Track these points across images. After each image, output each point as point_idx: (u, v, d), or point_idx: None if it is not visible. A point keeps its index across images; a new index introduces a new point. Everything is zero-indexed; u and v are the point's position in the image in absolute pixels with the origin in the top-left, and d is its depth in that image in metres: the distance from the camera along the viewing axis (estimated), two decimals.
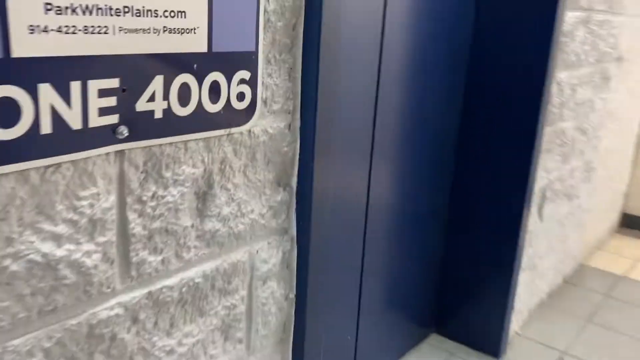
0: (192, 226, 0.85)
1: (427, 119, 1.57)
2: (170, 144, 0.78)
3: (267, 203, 0.97)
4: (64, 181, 0.67)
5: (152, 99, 0.72)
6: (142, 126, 0.72)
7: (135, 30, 0.68)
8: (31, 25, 0.58)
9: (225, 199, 0.89)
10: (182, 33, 0.73)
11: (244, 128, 0.87)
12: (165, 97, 0.74)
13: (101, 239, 0.72)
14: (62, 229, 0.68)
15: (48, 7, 0.59)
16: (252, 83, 0.85)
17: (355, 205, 1.40)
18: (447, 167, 1.73)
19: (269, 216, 0.98)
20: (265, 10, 0.85)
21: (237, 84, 0.83)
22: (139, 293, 0.79)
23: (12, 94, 0.58)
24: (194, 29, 0.74)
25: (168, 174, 0.79)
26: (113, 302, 0.76)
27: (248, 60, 0.84)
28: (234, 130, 0.86)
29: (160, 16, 0.70)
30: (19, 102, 0.59)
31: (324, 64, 0.95)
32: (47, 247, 0.67)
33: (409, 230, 1.65)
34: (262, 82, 0.89)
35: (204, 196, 0.85)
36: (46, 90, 0.61)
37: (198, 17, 0.74)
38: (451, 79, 1.62)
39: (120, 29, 0.66)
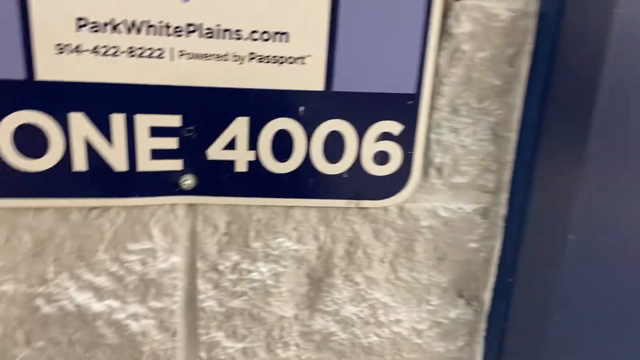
0: (296, 318, 0.63)
1: None
2: (263, 207, 0.58)
3: (432, 317, 0.66)
4: (111, 228, 0.56)
5: (231, 146, 0.54)
6: (218, 179, 0.55)
7: (204, 56, 0.51)
8: (59, 44, 0.48)
9: (349, 295, 0.63)
10: (280, 62, 0.52)
11: (387, 203, 0.59)
12: (252, 146, 0.55)
13: (156, 304, 0.59)
14: (103, 281, 0.58)
15: (81, 23, 0.48)
16: (405, 139, 0.57)
17: None
18: None
19: (434, 336, 0.67)
20: (445, 32, 0.55)
21: (376, 140, 0.56)
22: None
23: (37, 120, 0.50)
24: (303, 57, 0.52)
25: (257, 245, 0.59)
26: None
27: (399, 106, 0.56)
28: (368, 203, 0.59)
29: (246, 38, 0.51)
30: (46, 131, 0.51)
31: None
32: (83, 297, 0.58)
33: None
34: (431, 140, 0.59)
35: (317, 284, 0.62)
36: (78, 121, 0.51)
37: (310, 41, 0.52)
38: None
39: (181, 53, 0.50)
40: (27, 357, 0.59)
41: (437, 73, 0.56)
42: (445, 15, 0.55)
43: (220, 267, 0.59)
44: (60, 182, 0.53)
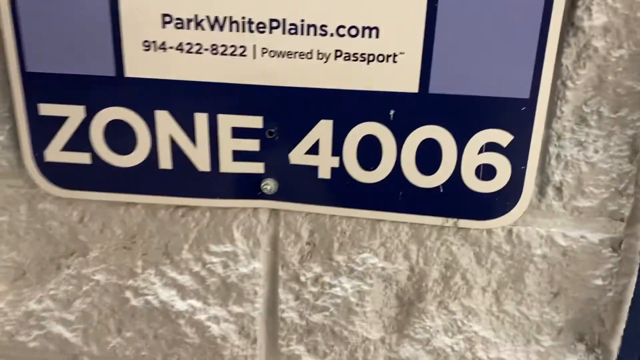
0: (382, 342, 0.57)
1: None
2: (347, 218, 0.53)
3: (543, 359, 0.56)
4: (196, 228, 0.56)
5: (313, 151, 0.51)
6: (300, 185, 0.52)
7: (287, 54, 0.47)
8: (146, 41, 0.48)
9: (443, 324, 0.56)
10: (369, 61, 0.47)
11: (491, 224, 0.51)
12: (337, 151, 0.50)
13: (236, 309, 0.58)
14: (186, 280, 0.57)
15: (166, 20, 0.48)
16: (516, 152, 0.48)
17: None
18: None
19: None
20: (572, 25, 0.46)
21: (480, 151, 0.49)
22: None
23: (126, 117, 0.51)
24: (394, 55, 0.47)
25: (340, 258, 0.55)
26: None
27: (509, 113, 0.47)
28: (468, 223, 0.51)
29: (332, 34, 0.47)
30: (134, 128, 0.51)
31: None
32: (167, 294, 0.58)
33: None
34: (550, 154, 0.49)
35: (408, 307, 0.56)
36: (164, 119, 0.51)
37: (403, 36, 0.46)
38: None
39: (264, 50, 0.48)
40: (117, 345, 0.61)
41: (559, 75, 0.47)
42: (572, 5, 0.45)
43: (302, 278, 0.56)
44: (148, 179, 0.53)
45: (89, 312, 0.60)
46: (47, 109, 0.51)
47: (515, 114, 0.47)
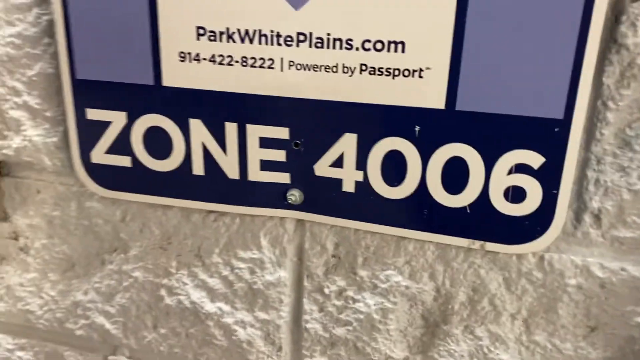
0: None
1: None
2: (372, 233, 0.53)
3: None
4: (226, 233, 0.57)
5: (338, 164, 0.50)
6: (325, 197, 0.52)
7: (313, 67, 0.48)
8: (182, 52, 0.50)
9: (469, 349, 0.54)
10: (394, 75, 0.46)
11: (521, 249, 0.49)
12: (361, 165, 0.50)
13: (262, 316, 0.59)
14: (215, 283, 0.59)
15: (200, 32, 0.49)
16: (548, 175, 0.46)
17: None
18: None
19: None
20: (615, 42, 0.42)
21: (509, 172, 0.46)
22: None
23: (163, 124, 0.53)
24: (420, 70, 0.46)
25: (364, 274, 0.54)
26: None
27: (541, 134, 0.45)
28: (496, 247, 0.49)
29: (357, 48, 0.46)
30: (170, 134, 0.54)
31: None
32: (197, 296, 0.60)
33: None
34: (588, 179, 0.46)
35: (433, 329, 0.54)
36: (197, 127, 0.53)
37: (430, 51, 0.45)
38: None
39: (291, 63, 0.48)
40: (153, 340, 0.64)
41: (599, 95, 0.44)
42: (616, 20, 0.42)
43: (326, 290, 0.56)
44: (183, 183, 0.55)
45: (128, 306, 0.63)
46: (93, 114, 0.55)
47: (547, 135, 0.44)
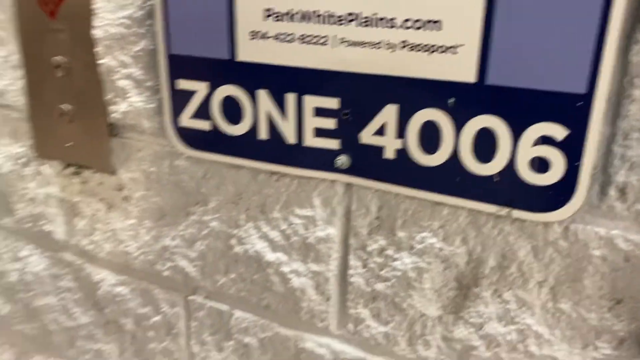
0: (439, 320, 0.61)
1: None
2: (410, 198, 0.58)
3: None
4: (285, 192, 0.65)
5: (380, 132, 0.56)
6: (369, 163, 0.58)
7: (361, 44, 0.54)
8: (252, 31, 0.59)
9: (497, 312, 0.57)
10: (431, 51, 0.51)
11: (545, 217, 0.52)
12: (400, 134, 0.55)
13: (314, 267, 0.66)
14: (275, 235, 0.67)
15: (268, 13, 0.58)
16: (571, 147, 0.48)
17: None
18: None
19: None
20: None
21: (534, 143, 0.50)
22: (352, 353, 0.67)
23: (236, 93, 0.62)
24: (454, 47, 0.50)
25: (402, 235, 0.60)
26: (323, 341, 0.69)
27: (565, 107, 0.48)
28: (522, 214, 0.53)
29: (399, 26, 0.52)
30: (242, 102, 0.63)
31: None
32: (261, 246, 0.69)
33: None
34: (614, 154, 0.48)
35: (465, 291, 0.59)
36: (263, 97, 0.61)
37: (463, 29, 0.49)
38: None
39: (342, 40, 0.55)
40: (224, 284, 0.74)
41: (626, 72, 0.46)
42: None
43: (369, 249, 0.62)
44: (251, 146, 0.64)
45: (205, 252, 0.74)
46: (182, 84, 0.65)
47: (570, 109, 0.47)
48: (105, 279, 0.86)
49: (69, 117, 0.77)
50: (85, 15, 0.70)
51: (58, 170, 0.84)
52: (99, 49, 0.71)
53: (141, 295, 0.83)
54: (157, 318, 0.83)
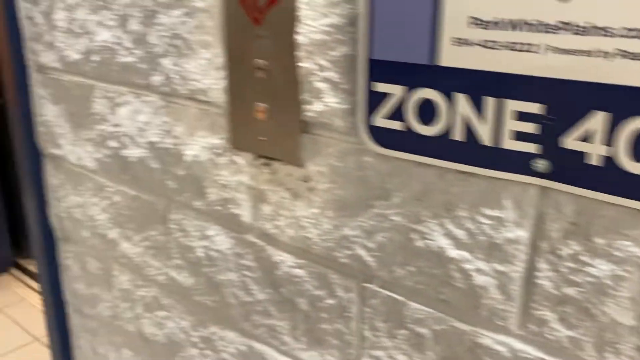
0: (634, 329, 0.60)
1: None
2: (612, 205, 0.58)
3: None
4: (472, 192, 0.68)
5: (585, 139, 0.57)
6: (570, 168, 0.59)
7: (572, 52, 0.55)
8: (454, 38, 0.62)
9: None
10: None
11: None
12: (608, 141, 0.56)
13: (498, 267, 0.68)
14: (460, 233, 0.70)
15: (472, 21, 0.60)
16: None
17: None
18: None
19: None
20: None
21: None
22: (532, 353, 0.69)
23: (433, 96, 0.66)
24: None
25: (600, 241, 0.60)
26: (502, 338, 0.71)
27: None
28: None
29: (614, 35, 0.52)
30: (438, 105, 0.66)
31: None
32: (444, 242, 0.72)
33: None
34: None
35: None
36: (462, 100, 0.64)
37: None
38: None
39: (551, 48, 0.56)
40: (401, 275, 0.78)
41: None
42: None
43: (561, 252, 0.63)
44: (443, 146, 0.68)
45: (384, 244, 0.79)
46: (379, 87, 0.70)
47: None
48: (285, 260, 0.94)
49: (265, 114, 0.86)
50: (290, 22, 0.78)
51: (250, 160, 0.93)
52: (300, 53, 0.78)
53: (317, 279, 0.90)
54: (331, 301, 0.89)
